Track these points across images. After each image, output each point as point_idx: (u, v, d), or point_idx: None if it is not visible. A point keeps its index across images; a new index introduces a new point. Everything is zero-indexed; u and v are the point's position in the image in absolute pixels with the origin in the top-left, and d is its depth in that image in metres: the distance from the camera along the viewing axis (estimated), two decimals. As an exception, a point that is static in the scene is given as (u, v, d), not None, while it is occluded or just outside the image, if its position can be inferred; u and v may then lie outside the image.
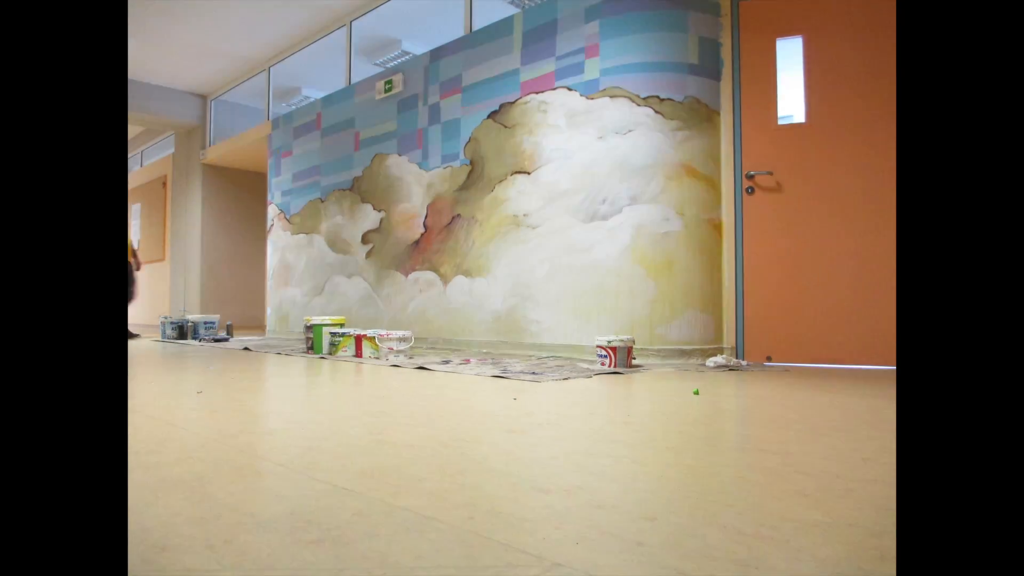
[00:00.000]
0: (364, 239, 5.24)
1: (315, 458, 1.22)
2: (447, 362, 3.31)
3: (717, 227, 3.49)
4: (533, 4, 4.89)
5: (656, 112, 3.45)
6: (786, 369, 3.13)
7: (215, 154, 7.78)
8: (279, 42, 6.49)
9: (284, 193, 6.22)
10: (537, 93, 3.96)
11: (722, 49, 3.56)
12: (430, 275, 4.61)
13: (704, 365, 3.23)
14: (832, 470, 1.16)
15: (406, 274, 4.81)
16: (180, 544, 0.78)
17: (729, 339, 3.48)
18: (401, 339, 3.61)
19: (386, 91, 5.09)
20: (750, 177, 3.48)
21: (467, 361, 3.37)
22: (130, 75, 7.30)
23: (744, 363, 3.28)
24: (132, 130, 9.40)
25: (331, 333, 3.88)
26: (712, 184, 3.49)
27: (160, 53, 6.74)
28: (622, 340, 3.08)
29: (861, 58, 3.29)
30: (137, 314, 9.07)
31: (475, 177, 4.32)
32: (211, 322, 5.73)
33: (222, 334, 5.70)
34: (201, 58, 6.90)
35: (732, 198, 3.51)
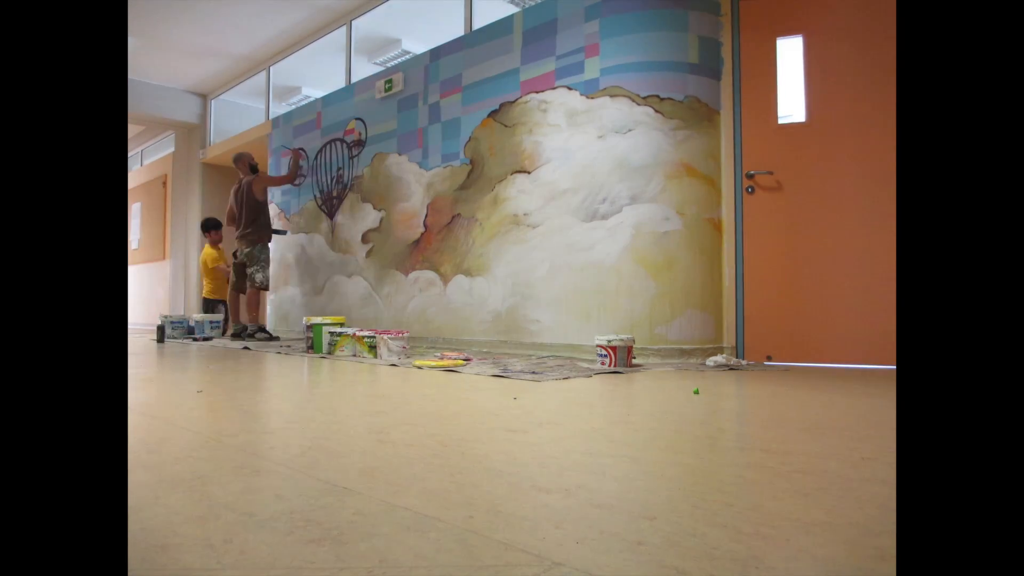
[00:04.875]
0: (364, 238, 5.24)
1: (315, 457, 1.22)
2: (447, 361, 3.31)
3: (717, 226, 3.49)
4: (533, 3, 4.89)
5: (656, 111, 3.45)
6: (786, 369, 3.13)
7: (215, 153, 7.77)
8: (279, 41, 6.49)
9: (284, 192, 6.22)
10: (537, 92, 3.96)
11: (722, 48, 3.55)
12: (430, 274, 4.61)
13: (704, 364, 3.23)
14: (832, 470, 1.16)
15: (406, 273, 4.81)
16: (180, 543, 0.78)
17: (729, 338, 3.48)
18: (401, 338, 3.61)
19: (386, 90, 5.09)
20: (750, 176, 3.48)
21: (468, 360, 3.37)
22: (130, 75, 7.30)
23: (744, 363, 3.28)
24: (132, 129, 9.40)
25: (331, 332, 3.88)
26: (712, 183, 3.49)
27: (160, 53, 6.73)
28: (622, 339, 3.08)
29: (861, 58, 3.28)
30: (137, 313, 9.06)
31: (475, 176, 4.32)
32: (216, 322, 5.74)
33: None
34: (201, 58, 6.90)
35: (732, 197, 3.50)
